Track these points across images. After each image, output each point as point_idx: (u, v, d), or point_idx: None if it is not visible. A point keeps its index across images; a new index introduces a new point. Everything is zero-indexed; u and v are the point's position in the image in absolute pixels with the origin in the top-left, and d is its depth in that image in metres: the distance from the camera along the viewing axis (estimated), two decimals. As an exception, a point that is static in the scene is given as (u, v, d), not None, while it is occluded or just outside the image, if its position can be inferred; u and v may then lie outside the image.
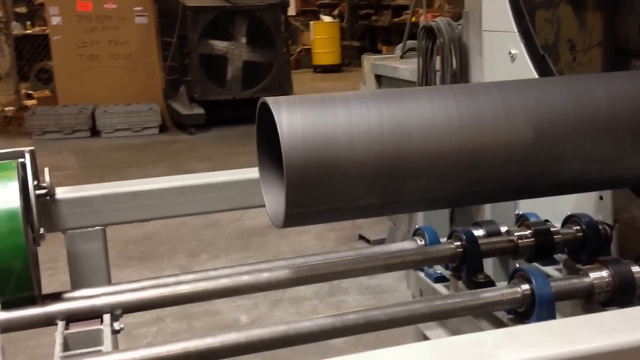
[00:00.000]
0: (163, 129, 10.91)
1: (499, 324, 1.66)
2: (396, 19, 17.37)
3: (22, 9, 15.44)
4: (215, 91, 10.78)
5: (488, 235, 1.94)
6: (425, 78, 4.04)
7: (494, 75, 2.63)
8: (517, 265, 1.82)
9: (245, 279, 1.77)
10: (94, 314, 1.60)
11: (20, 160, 1.71)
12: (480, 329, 1.66)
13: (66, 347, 1.47)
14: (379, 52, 15.43)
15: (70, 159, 9.30)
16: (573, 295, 1.64)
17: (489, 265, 2.11)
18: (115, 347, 1.51)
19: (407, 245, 1.98)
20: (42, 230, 1.67)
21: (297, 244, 5.81)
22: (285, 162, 1.34)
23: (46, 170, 1.84)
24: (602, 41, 2.35)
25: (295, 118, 1.37)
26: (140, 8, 10.99)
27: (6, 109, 11.29)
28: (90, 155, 9.51)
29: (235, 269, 1.86)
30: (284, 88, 10.89)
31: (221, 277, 1.78)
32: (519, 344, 1.16)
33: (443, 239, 1.95)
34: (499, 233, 1.95)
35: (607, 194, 1.99)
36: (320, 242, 5.86)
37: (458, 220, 3.66)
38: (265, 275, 1.78)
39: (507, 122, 1.50)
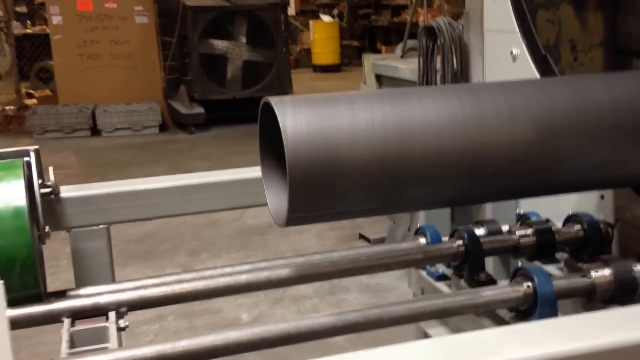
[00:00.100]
0: (163, 128, 10.92)
1: (500, 322, 1.67)
2: (395, 19, 17.40)
3: (23, 9, 15.46)
4: (215, 90, 10.79)
5: (490, 234, 1.95)
6: (426, 78, 4.04)
7: (495, 75, 2.63)
8: (520, 264, 1.83)
9: (246, 277, 1.78)
10: (99, 312, 1.61)
11: (26, 159, 1.72)
12: (482, 327, 1.66)
13: (72, 344, 1.49)
14: (378, 51, 15.47)
15: (71, 158, 9.30)
16: (575, 293, 1.65)
17: (490, 264, 2.11)
18: (120, 344, 1.53)
19: (409, 244, 1.99)
20: (47, 229, 1.69)
21: (297, 243, 5.82)
22: (289, 162, 1.34)
23: (50, 169, 1.84)
24: (603, 41, 2.36)
25: (299, 119, 1.36)
26: (140, 7, 10.99)
27: (7, 108, 11.31)
28: (91, 154, 9.51)
29: (236, 267, 1.86)
30: (283, 87, 10.91)
31: (222, 276, 1.79)
32: (523, 341, 1.16)
33: (444, 238, 1.96)
34: (500, 232, 1.96)
35: (608, 193, 2.00)
36: (320, 241, 5.87)
37: (459, 219, 3.66)
38: (265, 274, 1.79)
39: (510, 122, 1.50)
